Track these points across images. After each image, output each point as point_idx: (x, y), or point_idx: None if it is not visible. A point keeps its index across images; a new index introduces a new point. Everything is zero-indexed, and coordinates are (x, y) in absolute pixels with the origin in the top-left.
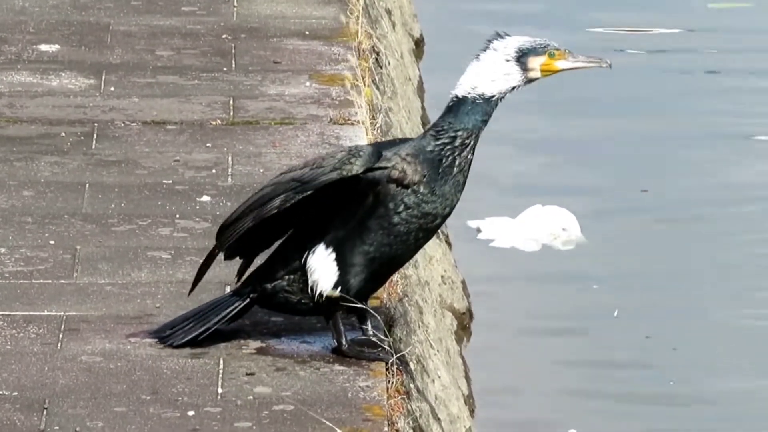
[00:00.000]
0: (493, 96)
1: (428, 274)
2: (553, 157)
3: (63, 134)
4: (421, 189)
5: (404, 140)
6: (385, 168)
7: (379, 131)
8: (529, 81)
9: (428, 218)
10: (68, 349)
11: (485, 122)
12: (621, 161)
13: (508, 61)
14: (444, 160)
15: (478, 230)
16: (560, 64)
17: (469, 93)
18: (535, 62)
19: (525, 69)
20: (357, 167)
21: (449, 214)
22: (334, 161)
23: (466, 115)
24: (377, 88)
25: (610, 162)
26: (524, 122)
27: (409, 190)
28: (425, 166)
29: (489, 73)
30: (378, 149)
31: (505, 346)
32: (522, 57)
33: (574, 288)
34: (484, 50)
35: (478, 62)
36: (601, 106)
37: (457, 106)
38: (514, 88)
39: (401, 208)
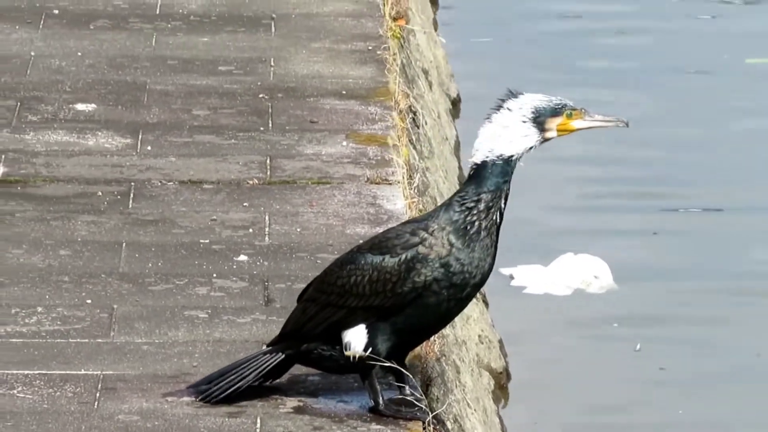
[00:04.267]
0: (512, 156)
1: (465, 334)
2: (585, 204)
3: (100, 193)
4: (449, 261)
5: (433, 212)
6: (415, 245)
7: (416, 191)
8: (545, 140)
9: (458, 288)
10: (105, 408)
11: (507, 182)
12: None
13: (524, 122)
14: (470, 227)
15: (511, 277)
16: (577, 124)
17: (487, 157)
18: (553, 123)
19: (542, 130)
20: (425, 275)
21: (482, 282)
22: (409, 288)
23: (487, 179)
24: (414, 147)
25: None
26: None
27: (437, 264)
28: (452, 236)
29: (506, 135)
30: (414, 227)
31: (543, 403)
32: (539, 117)
33: (608, 337)
34: (497, 110)
35: (491, 124)
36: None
37: (477, 172)
38: (531, 148)
39: (430, 282)
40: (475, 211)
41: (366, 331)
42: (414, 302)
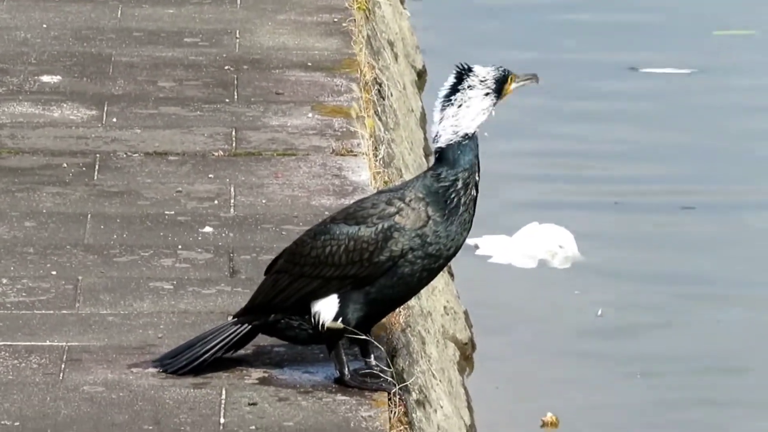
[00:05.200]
0: (476, 131)
1: (431, 305)
2: (549, 175)
3: (65, 165)
4: (426, 231)
5: (407, 183)
6: (392, 215)
7: (381, 162)
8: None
9: (432, 259)
10: (70, 379)
11: (477, 156)
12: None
13: (488, 94)
14: (449, 202)
15: (476, 246)
16: (512, 87)
17: (452, 139)
18: (506, 89)
19: (499, 97)
20: (402, 245)
21: (454, 254)
22: (386, 257)
23: (459, 158)
24: (379, 119)
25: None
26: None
27: (414, 234)
28: (431, 208)
29: (469, 113)
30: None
31: (507, 372)
32: (498, 87)
33: (572, 306)
34: (455, 92)
35: (453, 107)
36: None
37: (446, 153)
38: (486, 117)
39: (406, 251)
40: (452, 189)
41: (338, 301)
42: (389, 272)
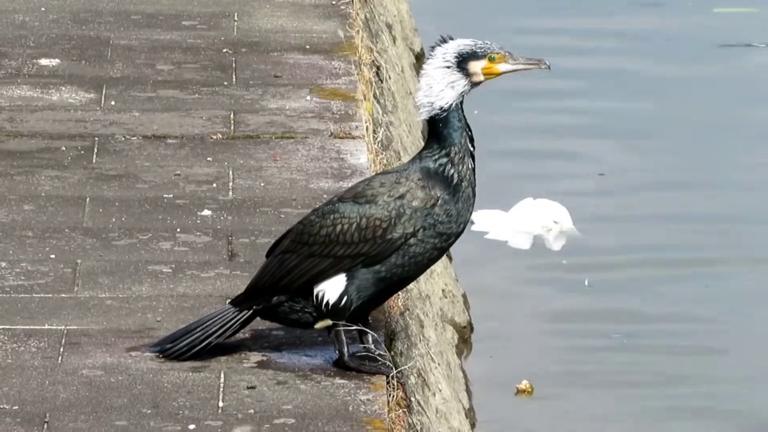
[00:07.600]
0: (450, 105)
1: (429, 288)
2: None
3: (63, 148)
4: (436, 210)
5: (406, 164)
6: (403, 194)
7: (379, 145)
8: (475, 85)
9: (443, 237)
10: (69, 363)
11: (462, 128)
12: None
13: (449, 67)
14: (450, 179)
15: (472, 222)
16: (501, 67)
17: (430, 112)
18: (476, 66)
19: (467, 74)
20: (414, 221)
21: (463, 231)
22: (399, 233)
23: (445, 133)
24: (378, 102)
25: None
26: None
27: (425, 213)
28: (437, 189)
29: (436, 85)
30: (391, 180)
31: (503, 350)
32: (462, 62)
33: (563, 278)
34: (427, 59)
35: (424, 76)
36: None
37: (432, 128)
38: (462, 93)
39: (418, 229)
40: (450, 165)
41: (345, 280)
42: (399, 250)
